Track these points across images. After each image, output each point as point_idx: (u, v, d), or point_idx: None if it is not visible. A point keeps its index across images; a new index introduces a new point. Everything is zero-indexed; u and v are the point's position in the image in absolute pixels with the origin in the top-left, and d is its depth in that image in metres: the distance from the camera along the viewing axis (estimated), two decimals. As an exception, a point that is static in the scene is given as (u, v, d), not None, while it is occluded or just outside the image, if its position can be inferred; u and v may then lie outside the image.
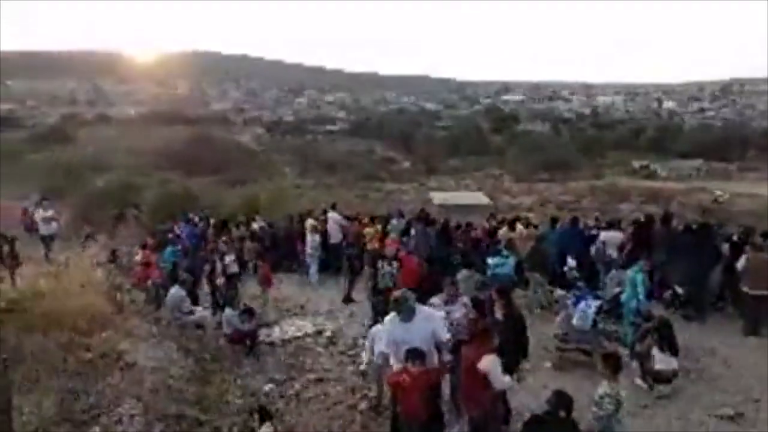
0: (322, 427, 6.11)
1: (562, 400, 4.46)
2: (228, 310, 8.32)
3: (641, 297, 7.71)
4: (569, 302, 8.15)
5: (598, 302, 7.80)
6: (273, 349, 8.23)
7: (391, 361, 5.05)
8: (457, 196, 36.53)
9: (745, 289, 8.27)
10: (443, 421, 5.31)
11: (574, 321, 7.53)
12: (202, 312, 8.94)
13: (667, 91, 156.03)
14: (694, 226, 10.22)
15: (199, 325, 8.49)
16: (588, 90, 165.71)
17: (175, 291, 8.62)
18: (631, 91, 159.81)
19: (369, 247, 11.93)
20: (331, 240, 12.89)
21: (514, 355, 5.41)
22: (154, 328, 7.82)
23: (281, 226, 14.15)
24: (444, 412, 5.44)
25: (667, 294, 9.30)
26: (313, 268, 12.33)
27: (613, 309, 8.36)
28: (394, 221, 13.23)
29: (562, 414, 4.42)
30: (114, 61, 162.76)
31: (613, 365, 5.00)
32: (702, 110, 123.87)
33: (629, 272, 8.02)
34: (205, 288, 10.31)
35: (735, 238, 9.73)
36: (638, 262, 8.09)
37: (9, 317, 6.52)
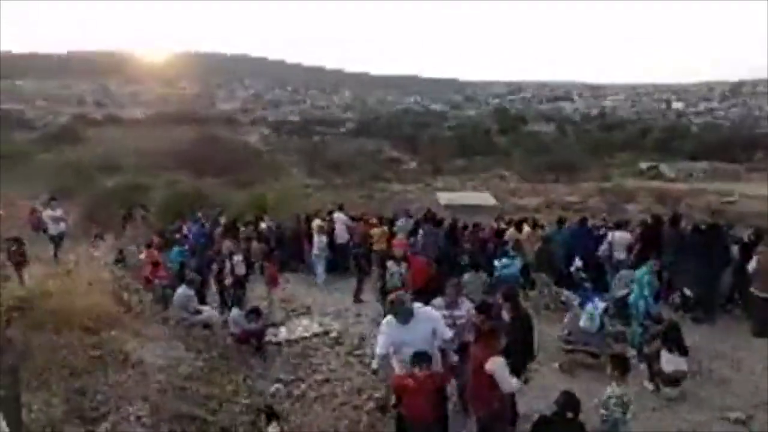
0: (328, 427, 6.10)
1: (569, 401, 4.46)
2: (235, 310, 8.37)
3: (649, 298, 7.66)
4: (576, 303, 8.11)
5: (604, 303, 7.75)
6: (280, 349, 8.23)
7: (393, 362, 5.05)
8: (463, 196, 36.42)
9: (755, 291, 8.18)
10: (447, 423, 5.29)
11: (581, 322, 7.47)
12: (209, 312, 8.95)
13: (678, 91, 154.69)
14: (703, 227, 10.07)
15: (207, 325, 8.50)
16: (595, 91, 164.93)
17: (183, 291, 8.64)
18: (639, 92, 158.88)
19: (376, 247, 11.96)
20: (337, 240, 12.92)
21: (521, 356, 5.39)
22: (161, 328, 7.84)
23: (288, 227, 14.19)
24: (448, 413, 5.42)
25: (676, 296, 9.21)
26: (321, 269, 12.34)
27: (620, 310, 8.31)
28: (400, 222, 13.25)
29: (570, 415, 4.41)
30: (120, 62, 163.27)
31: (622, 367, 4.99)
32: (711, 111, 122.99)
33: (637, 273, 7.98)
34: (212, 288, 10.33)
35: (746, 239, 9.64)
36: (648, 262, 8.04)
37: (17, 315, 6.55)
